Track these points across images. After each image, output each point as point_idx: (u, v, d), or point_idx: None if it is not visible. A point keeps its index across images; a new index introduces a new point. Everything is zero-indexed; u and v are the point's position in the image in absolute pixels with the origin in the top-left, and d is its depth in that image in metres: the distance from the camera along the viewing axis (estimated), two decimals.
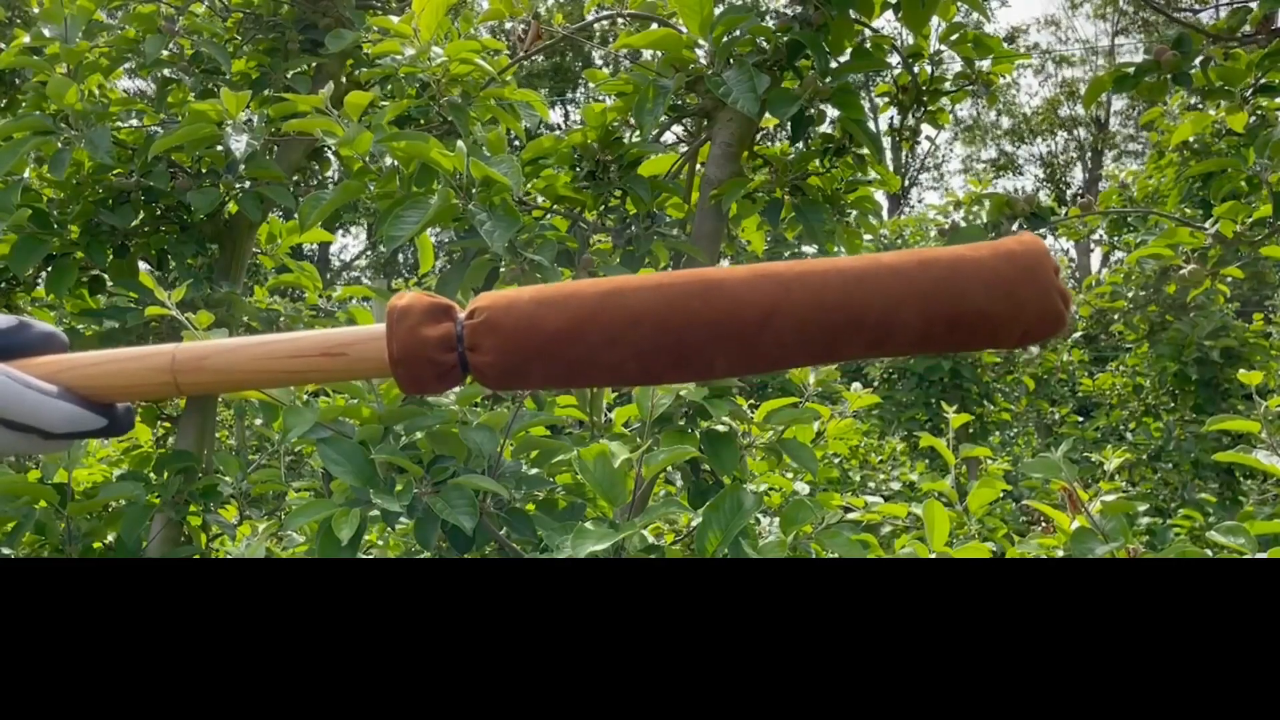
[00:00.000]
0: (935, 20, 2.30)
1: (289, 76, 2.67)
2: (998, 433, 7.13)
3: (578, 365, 0.51)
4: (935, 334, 0.52)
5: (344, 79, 2.77)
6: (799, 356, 0.52)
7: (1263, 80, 2.48)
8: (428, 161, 1.73)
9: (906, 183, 22.75)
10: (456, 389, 1.59)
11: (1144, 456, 5.84)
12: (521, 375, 0.52)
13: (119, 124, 2.45)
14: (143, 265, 2.61)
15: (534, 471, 1.61)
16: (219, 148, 2.19)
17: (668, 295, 0.51)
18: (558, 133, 2.37)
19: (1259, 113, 2.85)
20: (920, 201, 24.23)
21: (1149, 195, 5.16)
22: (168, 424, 2.82)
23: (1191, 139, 4.16)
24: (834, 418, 2.33)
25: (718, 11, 2.05)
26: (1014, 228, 2.33)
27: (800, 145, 2.32)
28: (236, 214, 2.68)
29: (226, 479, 2.31)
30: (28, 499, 2.04)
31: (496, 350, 0.51)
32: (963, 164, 24.00)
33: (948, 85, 2.49)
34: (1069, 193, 21.92)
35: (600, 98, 2.41)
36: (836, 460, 5.10)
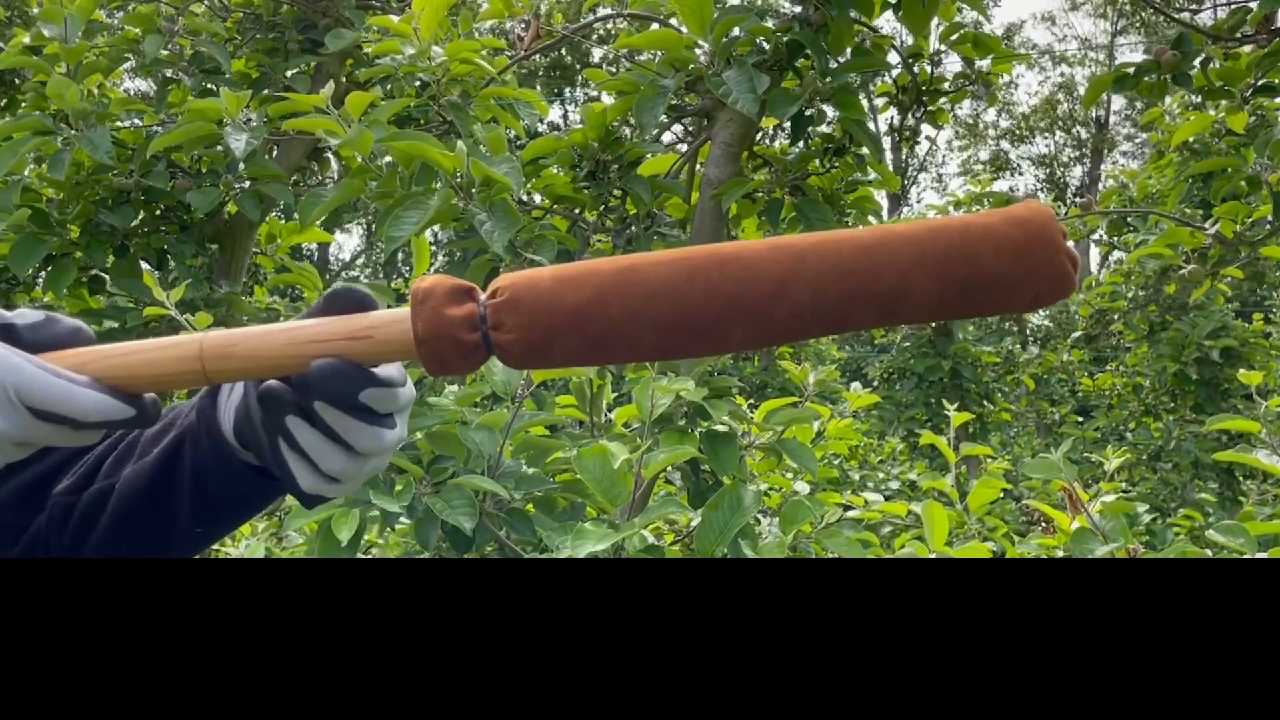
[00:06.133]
0: (935, 20, 2.30)
1: (289, 76, 2.67)
2: (998, 433, 7.12)
3: (598, 340, 0.52)
4: (949, 298, 0.52)
5: (344, 79, 2.77)
6: (815, 326, 0.53)
7: (1263, 80, 2.48)
8: (428, 161, 1.72)
9: (906, 183, 22.75)
10: (456, 389, 1.59)
11: (1144, 456, 5.84)
12: (543, 352, 0.53)
13: (119, 124, 2.45)
14: (143, 265, 2.61)
15: (533, 471, 1.61)
16: (218, 147, 2.19)
17: (685, 269, 0.52)
18: (558, 132, 2.37)
19: (1259, 113, 2.85)
20: (920, 201, 24.26)
21: (1149, 195, 5.16)
22: None
23: (1191, 139, 4.16)
24: (834, 418, 2.33)
25: (718, 12, 2.05)
26: None
27: (800, 145, 2.32)
28: (236, 214, 2.68)
29: None
30: None
31: (519, 328, 0.52)
32: (961, 165, 23.98)
33: (947, 85, 2.49)
34: (1069, 193, 21.92)
35: (600, 97, 2.41)
36: (836, 460, 5.10)
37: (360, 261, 21.55)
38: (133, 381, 0.52)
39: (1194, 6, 3.28)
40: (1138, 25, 20.05)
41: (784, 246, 0.53)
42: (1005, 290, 0.53)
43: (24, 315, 0.52)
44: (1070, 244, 0.53)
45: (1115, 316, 6.65)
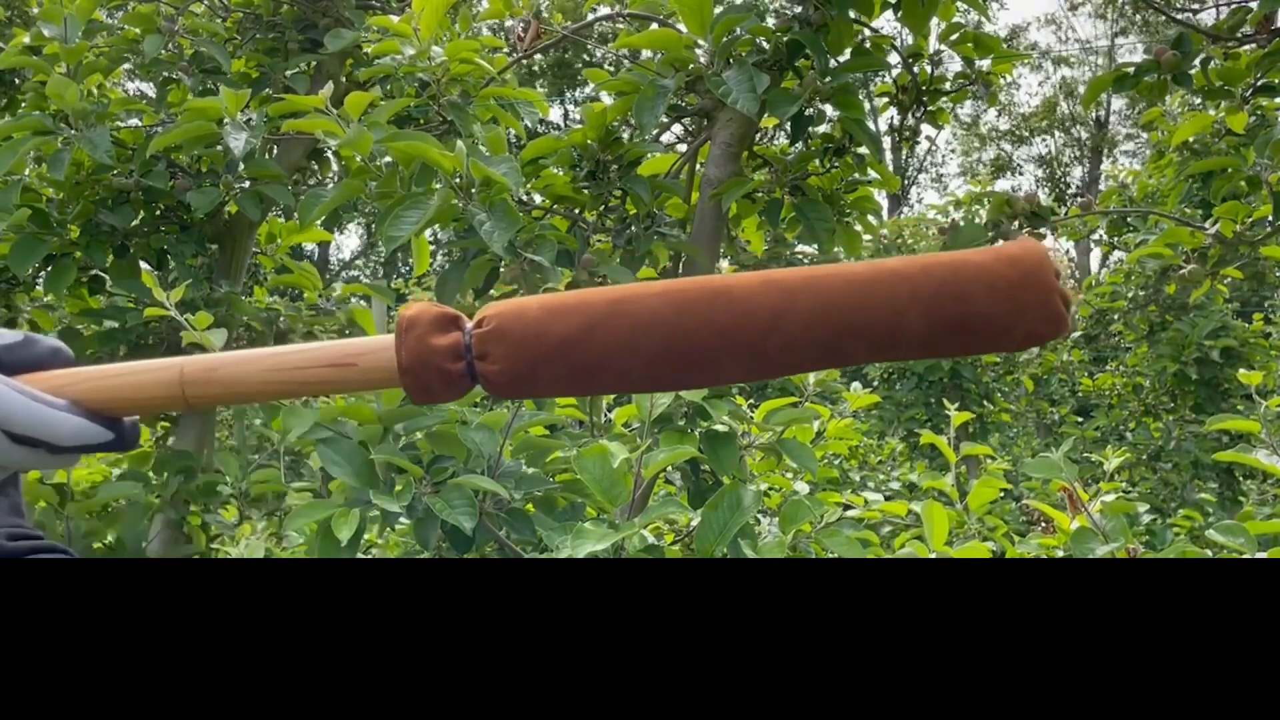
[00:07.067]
0: (935, 20, 2.30)
1: (289, 76, 2.67)
2: (998, 433, 7.12)
3: (586, 372, 0.52)
4: (939, 337, 0.52)
5: (344, 79, 2.77)
6: (805, 362, 0.53)
7: (1263, 80, 2.48)
8: (428, 161, 1.72)
9: (906, 183, 22.73)
10: None
11: (1144, 456, 5.84)
12: (529, 383, 0.52)
13: (119, 124, 2.44)
14: (143, 265, 2.61)
15: (533, 471, 1.61)
16: (218, 147, 2.19)
17: (676, 302, 0.52)
18: (558, 132, 2.36)
19: (1259, 113, 2.85)
20: (920, 201, 24.23)
21: (1149, 195, 5.16)
22: (167, 424, 2.82)
23: (1191, 139, 4.16)
24: (834, 418, 2.33)
25: (718, 11, 2.05)
26: (1014, 227, 2.33)
27: (800, 145, 2.32)
28: (236, 214, 2.68)
29: (226, 479, 2.32)
30: (27, 499, 2.04)
31: (504, 358, 0.51)
32: (961, 166, 23.95)
33: (948, 85, 2.48)
34: (1069, 193, 21.92)
35: (600, 96, 2.41)
36: (836, 460, 5.10)
37: (360, 261, 21.55)
38: (112, 405, 0.51)
39: (1194, 6, 3.28)
40: (1138, 25, 20.05)
41: (775, 281, 0.52)
42: (997, 330, 0.52)
43: (2, 336, 0.51)
44: (1063, 283, 0.53)
45: (1115, 316, 6.66)
